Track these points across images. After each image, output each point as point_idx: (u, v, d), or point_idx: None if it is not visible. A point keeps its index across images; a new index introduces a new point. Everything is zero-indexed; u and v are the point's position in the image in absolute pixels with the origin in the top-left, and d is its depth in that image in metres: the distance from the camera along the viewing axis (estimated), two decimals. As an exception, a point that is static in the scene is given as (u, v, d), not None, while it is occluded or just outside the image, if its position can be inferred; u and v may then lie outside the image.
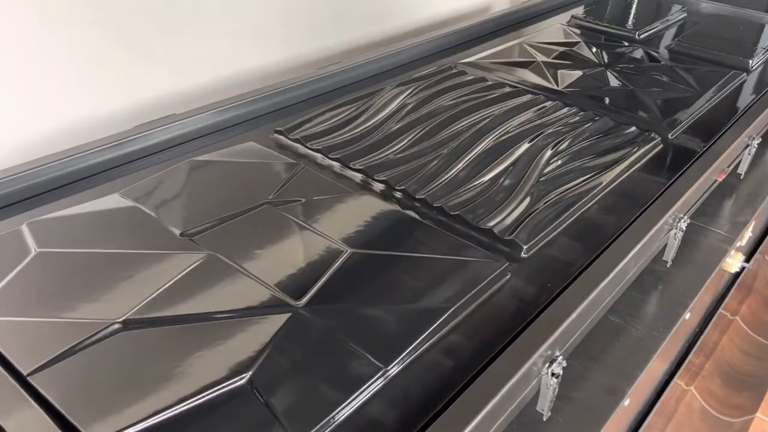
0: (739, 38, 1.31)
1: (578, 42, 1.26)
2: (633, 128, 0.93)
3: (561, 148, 0.86)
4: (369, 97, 0.98)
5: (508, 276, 0.65)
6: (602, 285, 0.60)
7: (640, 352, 0.64)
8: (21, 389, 0.49)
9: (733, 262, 0.84)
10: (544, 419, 0.56)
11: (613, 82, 1.09)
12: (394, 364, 0.53)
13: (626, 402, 0.60)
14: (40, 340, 0.53)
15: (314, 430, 0.47)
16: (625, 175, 0.83)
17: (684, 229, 0.74)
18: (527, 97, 1.00)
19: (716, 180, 0.87)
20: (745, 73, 1.16)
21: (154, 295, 0.58)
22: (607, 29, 1.36)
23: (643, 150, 0.88)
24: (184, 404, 0.48)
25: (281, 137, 0.89)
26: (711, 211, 0.88)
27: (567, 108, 0.98)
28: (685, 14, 1.49)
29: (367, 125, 0.91)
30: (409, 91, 1.00)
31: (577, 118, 0.95)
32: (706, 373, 0.98)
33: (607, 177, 0.81)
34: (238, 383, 0.50)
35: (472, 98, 0.99)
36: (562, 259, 0.68)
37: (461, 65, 1.13)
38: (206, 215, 0.69)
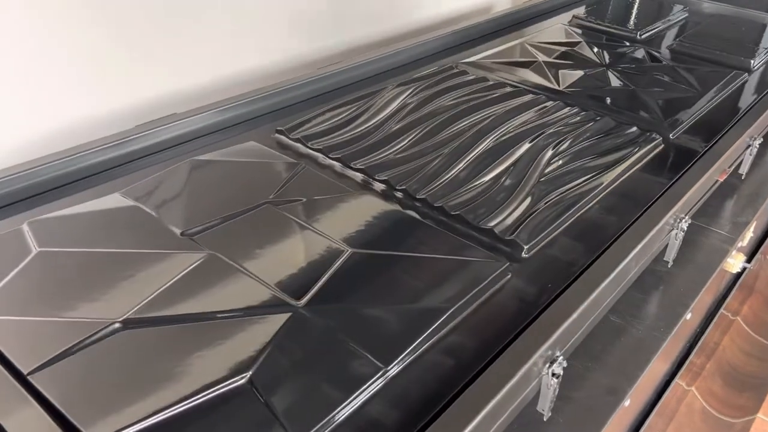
0: (741, 38, 1.31)
1: (579, 42, 1.26)
2: (634, 128, 0.93)
3: (562, 148, 0.86)
4: (370, 96, 0.98)
5: (509, 276, 0.65)
6: (603, 285, 0.60)
7: (641, 352, 0.64)
8: (21, 388, 0.49)
9: (735, 262, 0.84)
10: (545, 419, 0.56)
11: (615, 82, 1.09)
12: (394, 364, 0.53)
13: (627, 402, 0.59)
14: (40, 340, 0.53)
15: (314, 429, 0.47)
16: (626, 175, 0.83)
17: (685, 229, 0.74)
18: (528, 97, 1.00)
19: (717, 180, 0.87)
20: (746, 74, 1.16)
21: (155, 294, 0.58)
22: (608, 29, 1.36)
23: (644, 150, 0.88)
24: (184, 404, 0.48)
25: (282, 137, 0.88)
26: (712, 211, 0.88)
27: (568, 108, 0.98)
28: (686, 14, 1.49)
29: (368, 125, 0.91)
30: (410, 90, 1.00)
31: (578, 118, 0.95)
32: (707, 374, 0.98)
33: (608, 177, 0.81)
34: (238, 383, 0.50)
35: (473, 98, 0.99)
36: (563, 259, 0.68)
37: (462, 65, 1.13)
38: (207, 215, 0.69)
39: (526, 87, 1.05)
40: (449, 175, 0.79)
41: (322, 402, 0.49)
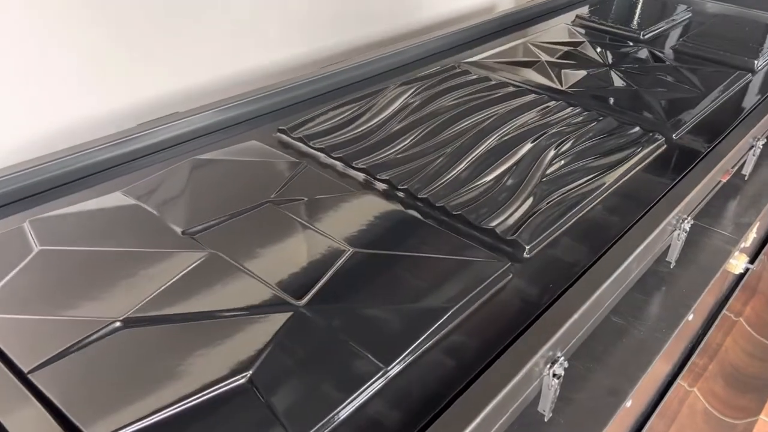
0: (745, 38, 1.30)
1: (583, 42, 1.25)
2: (637, 128, 0.92)
3: (564, 148, 0.86)
4: (372, 96, 0.98)
5: (510, 276, 0.65)
6: (605, 286, 0.59)
7: (643, 353, 0.64)
8: (22, 386, 0.49)
9: (737, 263, 0.84)
10: (546, 420, 0.56)
11: (618, 82, 1.08)
12: (395, 363, 0.53)
13: (628, 403, 0.59)
14: (41, 338, 0.53)
15: (314, 429, 0.47)
16: (629, 175, 0.83)
17: (687, 230, 0.74)
18: (531, 97, 1.00)
19: (720, 181, 0.87)
20: (750, 74, 1.15)
21: (155, 293, 0.58)
22: (611, 29, 1.36)
23: (646, 150, 0.87)
24: (184, 403, 0.48)
25: (284, 136, 0.88)
26: (715, 212, 0.88)
27: (571, 108, 0.97)
28: (690, 14, 1.49)
29: (369, 124, 0.91)
30: (412, 90, 0.99)
31: (581, 118, 0.94)
32: (709, 375, 0.98)
33: (611, 177, 0.81)
34: (239, 382, 0.50)
35: (475, 98, 0.99)
36: (565, 259, 0.68)
37: (465, 64, 1.13)
38: (208, 214, 0.69)
39: (528, 87, 1.05)
40: (451, 174, 0.79)
41: (322, 402, 0.49)
